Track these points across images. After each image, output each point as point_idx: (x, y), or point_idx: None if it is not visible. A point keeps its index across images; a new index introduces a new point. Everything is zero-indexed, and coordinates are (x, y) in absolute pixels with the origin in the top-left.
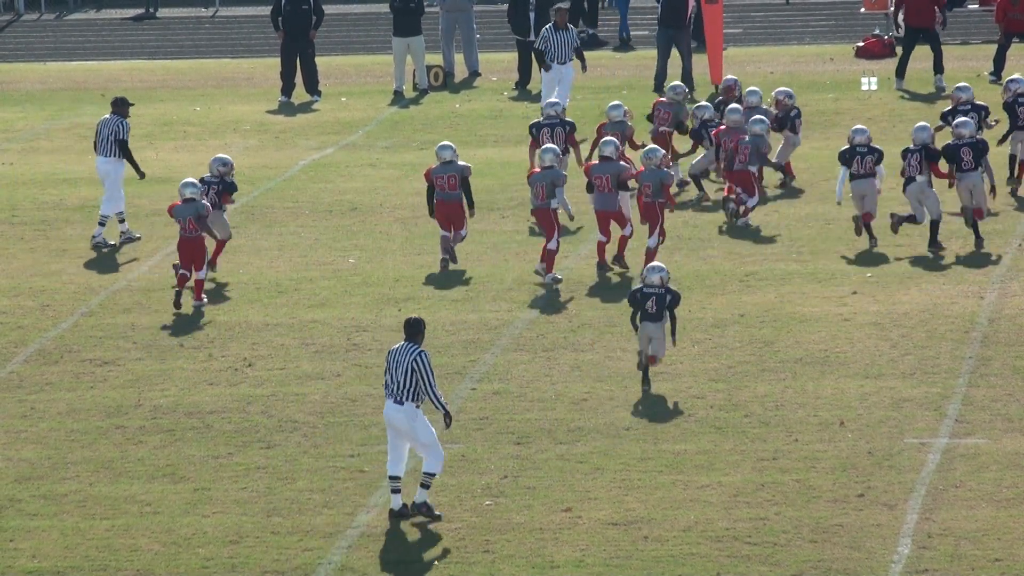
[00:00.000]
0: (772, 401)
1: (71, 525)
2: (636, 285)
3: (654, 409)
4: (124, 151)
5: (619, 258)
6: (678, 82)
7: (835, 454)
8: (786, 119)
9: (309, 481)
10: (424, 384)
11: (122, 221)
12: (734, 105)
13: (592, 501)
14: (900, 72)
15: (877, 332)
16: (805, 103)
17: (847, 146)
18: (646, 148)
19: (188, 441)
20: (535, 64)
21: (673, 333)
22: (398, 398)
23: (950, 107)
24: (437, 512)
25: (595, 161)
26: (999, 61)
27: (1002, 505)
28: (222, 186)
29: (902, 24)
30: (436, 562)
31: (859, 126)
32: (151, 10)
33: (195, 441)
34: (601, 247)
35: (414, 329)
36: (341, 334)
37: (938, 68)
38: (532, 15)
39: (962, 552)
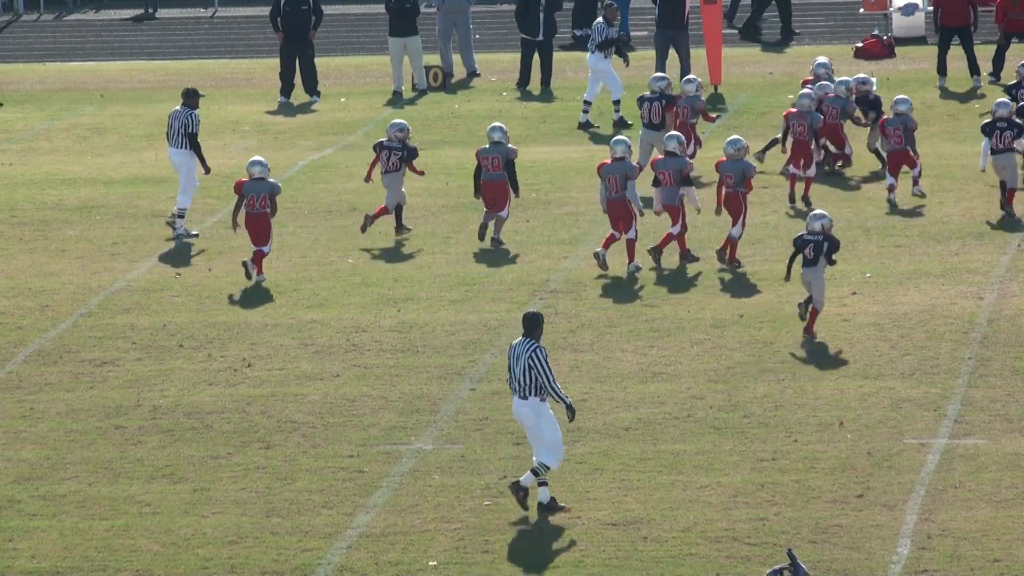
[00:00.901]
0: (771, 402)
1: (70, 525)
2: (797, 233)
3: (653, 410)
4: (193, 144)
5: (657, 252)
6: (692, 76)
7: (834, 455)
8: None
9: (308, 481)
10: (542, 379)
11: (181, 216)
12: (805, 90)
13: (591, 501)
14: (942, 70)
15: (876, 333)
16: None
17: (990, 119)
18: (730, 138)
19: (187, 441)
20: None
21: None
22: (522, 394)
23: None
24: (564, 505)
25: (659, 156)
26: (998, 61)
27: (1001, 506)
28: (405, 152)
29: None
30: (434, 563)
31: (1002, 99)
32: (150, 11)
33: (194, 441)
34: (680, 239)
35: (532, 324)
36: (340, 334)
37: (973, 69)
38: (541, 15)
39: (961, 552)
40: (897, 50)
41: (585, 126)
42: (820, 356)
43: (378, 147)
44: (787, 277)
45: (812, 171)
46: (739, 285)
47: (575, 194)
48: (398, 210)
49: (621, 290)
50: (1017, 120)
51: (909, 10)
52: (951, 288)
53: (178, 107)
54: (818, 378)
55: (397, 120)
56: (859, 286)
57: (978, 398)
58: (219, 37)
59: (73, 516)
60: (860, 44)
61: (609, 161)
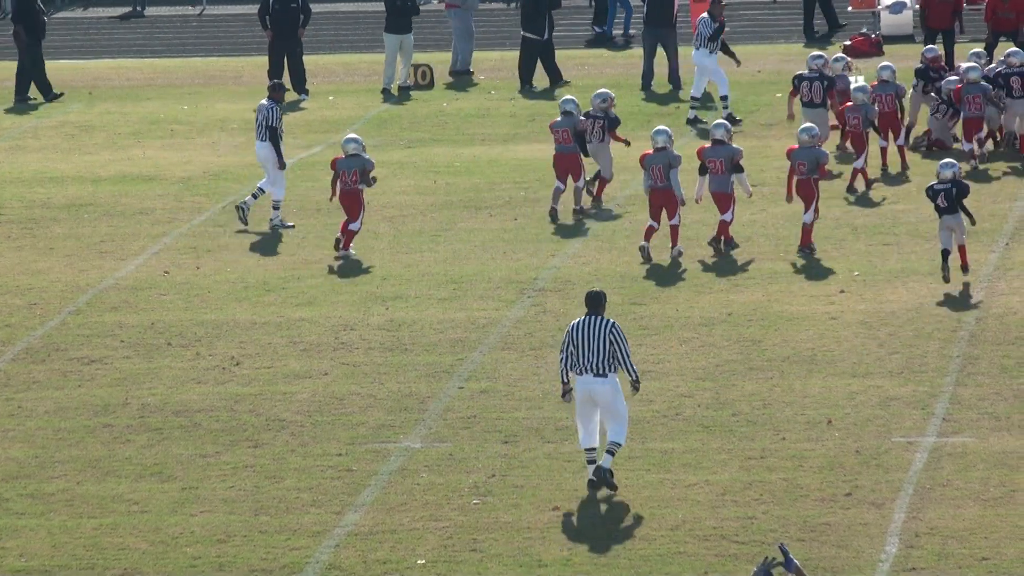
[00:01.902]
0: (759, 400)
1: (59, 524)
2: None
3: (642, 408)
4: (272, 137)
5: (717, 240)
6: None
7: (823, 453)
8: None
9: (297, 480)
10: (621, 353)
11: (276, 208)
12: (861, 83)
13: (580, 500)
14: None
15: (865, 331)
16: (784, 102)
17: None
18: (803, 126)
19: (176, 440)
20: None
21: (969, 216)
22: (600, 371)
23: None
24: (615, 483)
25: (707, 144)
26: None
27: (989, 504)
28: (607, 121)
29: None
30: (422, 561)
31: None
32: (138, 8)
33: (182, 440)
34: (723, 226)
35: (598, 301)
36: (328, 332)
37: (950, 66)
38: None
39: (949, 551)
40: (885, 48)
41: (693, 122)
42: (808, 354)
43: (586, 115)
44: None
45: (861, 162)
46: (727, 283)
47: (564, 192)
48: (602, 181)
49: (610, 289)
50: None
51: (897, 8)
52: (939, 286)
53: (264, 100)
54: (806, 376)
55: (602, 90)
56: (847, 284)
57: (966, 396)
58: (207, 35)
59: (61, 514)
60: (848, 42)
61: (651, 151)
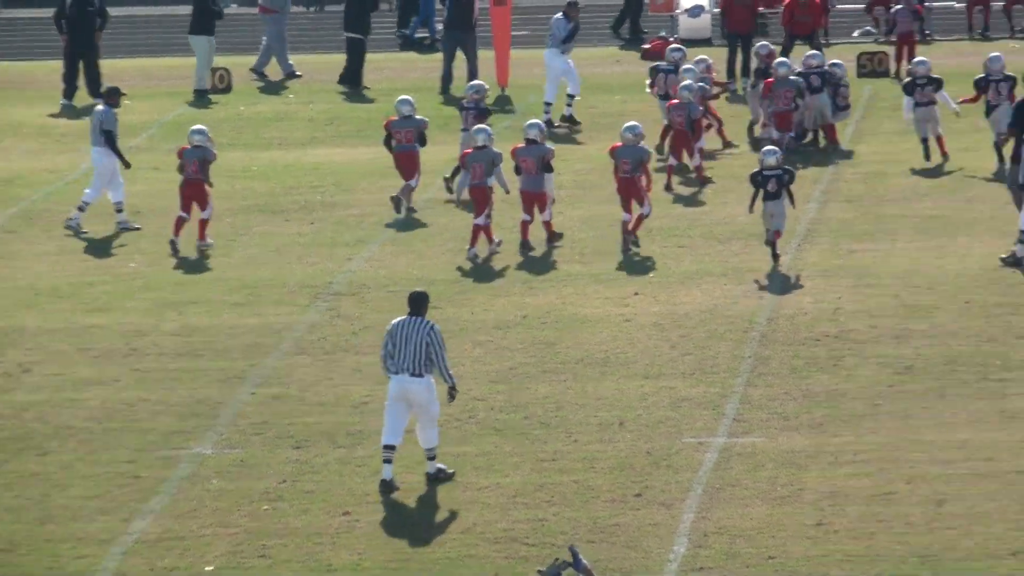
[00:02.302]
0: (553, 402)
1: None
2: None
3: None
4: (109, 141)
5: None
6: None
7: (614, 454)
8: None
9: (84, 488)
10: (436, 356)
11: (120, 211)
12: (687, 82)
13: (371, 504)
14: (732, 73)
15: (658, 333)
16: (594, 104)
17: (910, 79)
18: (627, 124)
19: None
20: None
21: (792, 203)
22: (415, 371)
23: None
24: (450, 470)
25: (521, 144)
26: None
27: (777, 503)
28: (477, 111)
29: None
30: (211, 568)
31: (921, 58)
32: None
33: None
34: (524, 226)
35: (420, 302)
36: (120, 339)
37: (745, 73)
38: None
39: (737, 550)
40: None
41: (548, 124)
42: (601, 356)
43: (460, 107)
44: (751, 209)
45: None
46: (522, 286)
47: (360, 196)
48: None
49: (404, 292)
50: (935, 76)
51: (695, 12)
52: (732, 287)
53: (100, 105)
54: (599, 378)
55: (476, 81)
56: (642, 286)
57: (756, 396)
58: (1, 39)
59: None
60: (647, 46)
61: (471, 150)
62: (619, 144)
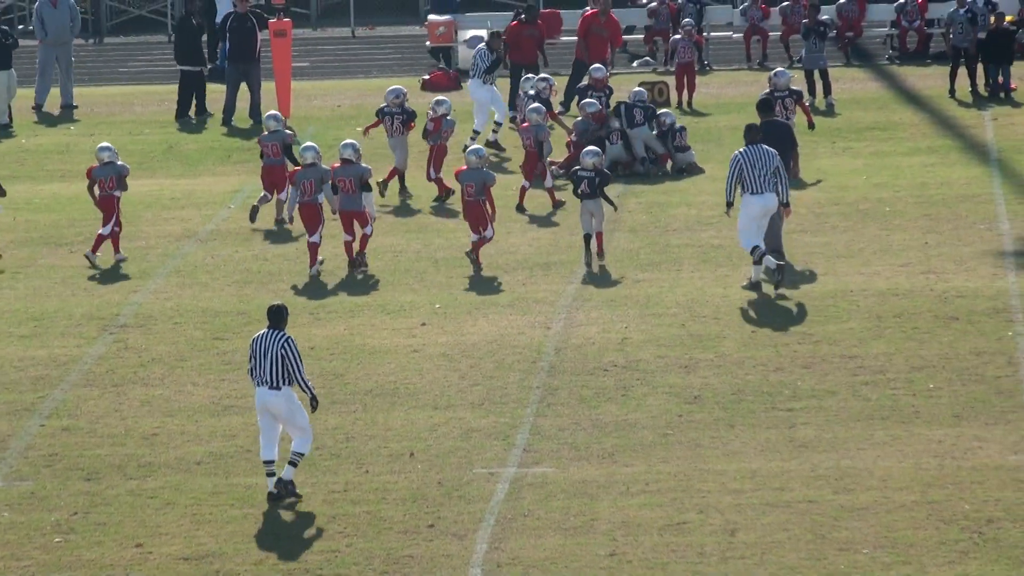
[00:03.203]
0: (343, 433)
1: None
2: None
3: (225, 443)
4: None
5: (359, 256)
6: (477, 145)
7: (406, 485)
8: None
9: None
10: (293, 368)
11: None
12: (535, 104)
13: (163, 536)
14: (512, 106)
15: (446, 363)
16: (377, 134)
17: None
18: (471, 147)
19: None
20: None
21: (611, 204)
22: (274, 384)
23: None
24: (299, 492)
25: (337, 164)
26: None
27: (569, 533)
28: (404, 115)
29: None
30: None
31: (780, 68)
32: None
33: None
34: (348, 246)
35: (278, 316)
36: None
37: (512, 106)
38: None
39: None
40: (463, 83)
41: (495, 145)
42: (391, 387)
43: (380, 113)
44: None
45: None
46: (309, 316)
47: (144, 228)
48: (401, 175)
49: (192, 324)
50: (795, 88)
51: (474, 43)
52: (519, 318)
53: None
54: (389, 409)
55: (395, 86)
56: (428, 317)
57: (546, 427)
58: None
59: None
60: (427, 76)
61: (338, 164)
62: (464, 168)
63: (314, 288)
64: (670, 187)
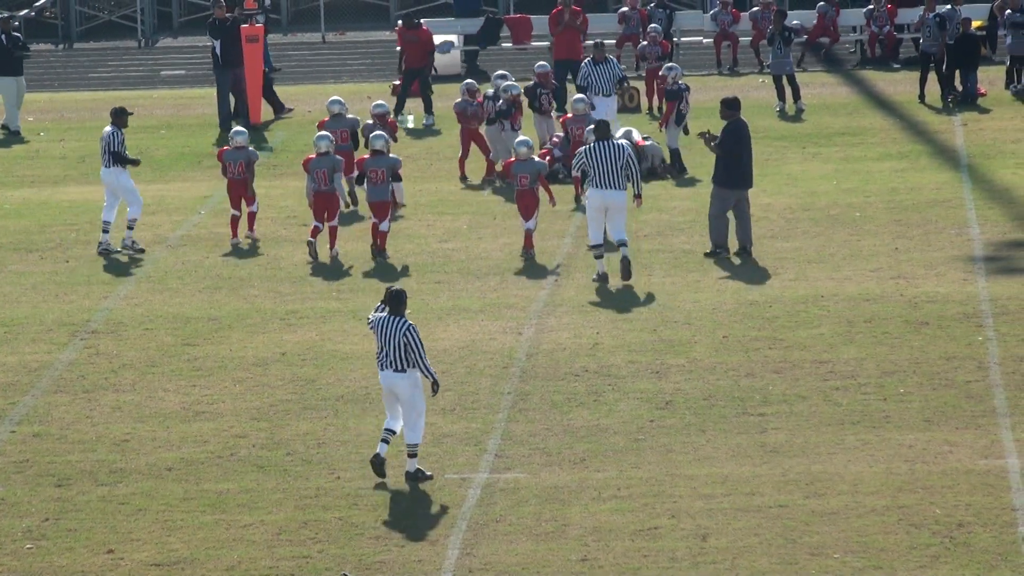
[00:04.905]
0: (314, 439)
1: None
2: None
3: (196, 449)
4: (118, 161)
5: (380, 251)
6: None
7: (377, 491)
8: None
9: None
10: (415, 355)
11: (131, 228)
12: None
13: (135, 542)
14: (399, 108)
15: None
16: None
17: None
18: (519, 139)
19: None
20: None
21: (551, 198)
22: (399, 367)
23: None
24: (428, 472)
25: (367, 155)
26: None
27: (541, 538)
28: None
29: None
30: None
31: (670, 64)
32: None
33: None
34: (375, 228)
35: (397, 300)
36: None
37: (400, 109)
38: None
39: None
40: (435, 87)
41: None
42: (362, 393)
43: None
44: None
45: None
46: (280, 323)
47: (115, 233)
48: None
49: (163, 330)
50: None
51: (445, 47)
52: (491, 323)
53: (107, 127)
54: (361, 415)
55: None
56: None
57: (517, 432)
58: None
59: None
60: (397, 82)
61: (314, 156)
62: (514, 159)
63: (285, 294)
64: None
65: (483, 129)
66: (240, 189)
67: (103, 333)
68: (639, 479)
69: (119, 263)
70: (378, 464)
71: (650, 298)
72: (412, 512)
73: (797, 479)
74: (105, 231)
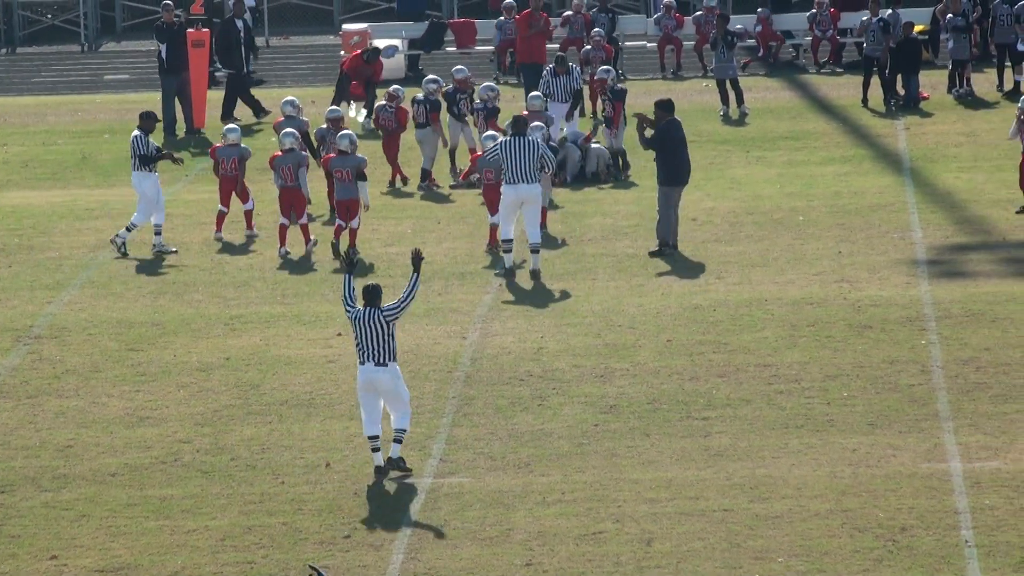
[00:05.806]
0: (259, 444)
1: None
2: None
3: (140, 455)
4: (145, 164)
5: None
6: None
7: (322, 496)
8: None
9: None
10: (404, 304)
11: (158, 233)
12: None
13: (78, 548)
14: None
15: None
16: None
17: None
18: (486, 134)
19: None
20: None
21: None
22: (380, 360)
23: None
24: (408, 466)
25: (333, 155)
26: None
27: (485, 543)
28: (429, 105)
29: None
30: None
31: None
32: None
33: None
34: (339, 231)
35: (374, 294)
36: None
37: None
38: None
39: None
40: (379, 91)
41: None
42: (306, 398)
43: (413, 102)
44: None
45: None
46: (224, 328)
47: (58, 239)
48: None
49: (107, 335)
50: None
51: (390, 52)
52: (435, 328)
53: (136, 131)
54: (305, 419)
55: (488, 83)
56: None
57: (462, 436)
58: None
59: None
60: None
61: (280, 153)
62: (481, 154)
63: (229, 299)
64: (585, 197)
65: (414, 133)
66: (231, 185)
67: (46, 338)
68: (583, 483)
69: (62, 269)
70: (384, 472)
71: (594, 302)
72: (356, 517)
73: (741, 483)
74: (157, 232)
